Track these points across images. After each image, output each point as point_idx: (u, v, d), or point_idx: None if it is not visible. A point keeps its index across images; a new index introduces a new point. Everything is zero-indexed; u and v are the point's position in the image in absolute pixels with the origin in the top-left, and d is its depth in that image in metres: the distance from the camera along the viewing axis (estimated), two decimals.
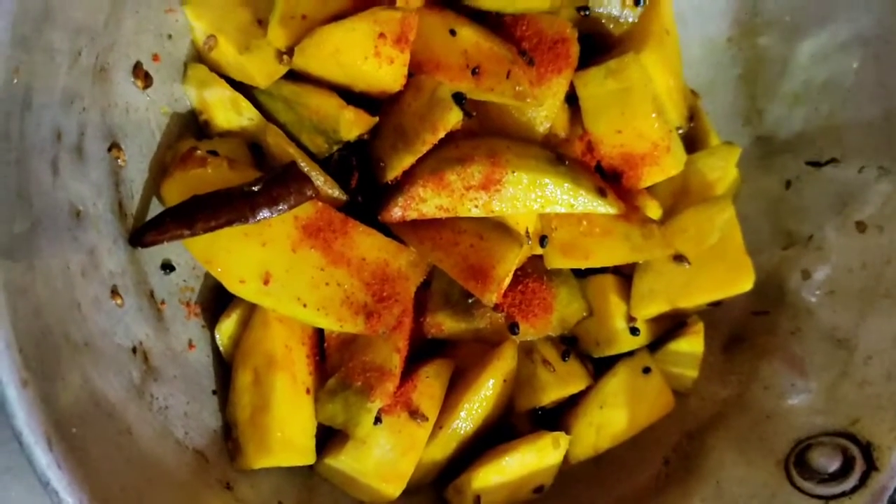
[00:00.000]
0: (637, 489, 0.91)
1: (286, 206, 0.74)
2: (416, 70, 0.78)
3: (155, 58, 0.75)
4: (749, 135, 1.03)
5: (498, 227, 0.81)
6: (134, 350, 0.70)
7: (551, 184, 0.79)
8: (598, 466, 0.91)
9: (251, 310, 0.78)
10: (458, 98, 0.74)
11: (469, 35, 0.79)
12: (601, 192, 0.81)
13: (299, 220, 0.75)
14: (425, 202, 0.79)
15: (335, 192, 0.78)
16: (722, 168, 0.95)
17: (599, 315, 0.89)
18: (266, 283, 0.73)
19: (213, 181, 0.74)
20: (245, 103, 0.77)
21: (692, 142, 0.99)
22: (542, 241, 0.85)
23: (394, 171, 0.78)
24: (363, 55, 0.72)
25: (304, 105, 0.76)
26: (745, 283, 0.88)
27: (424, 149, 0.74)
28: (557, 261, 0.85)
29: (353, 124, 0.76)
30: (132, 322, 0.70)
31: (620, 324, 0.89)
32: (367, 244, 0.77)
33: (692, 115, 0.97)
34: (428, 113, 0.74)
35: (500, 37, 0.82)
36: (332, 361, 0.79)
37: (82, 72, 0.65)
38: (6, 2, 0.52)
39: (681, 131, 0.94)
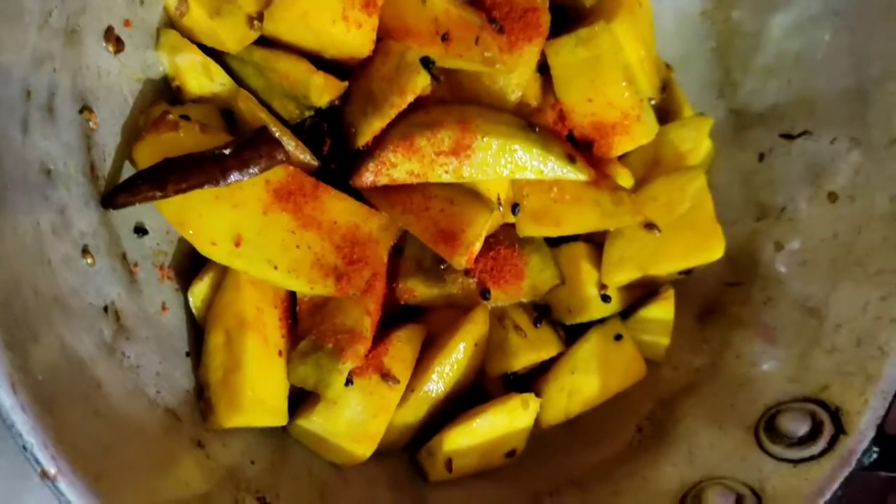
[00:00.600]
0: (610, 455, 0.92)
1: (257, 170, 0.75)
2: (385, 36, 0.79)
3: (126, 23, 0.75)
4: (723, 107, 1.05)
5: (469, 193, 0.82)
6: (105, 309, 0.70)
7: (521, 149, 0.80)
8: (570, 432, 0.93)
9: (224, 273, 0.79)
10: (426, 62, 0.75)
11: (439, 2, 0.80)
12: (571, 159, 0.82)
13: (270, 183, 0.76)
14: (396, 167, 0.80)
15: (306, 157, 0.79)
16: (694, 139, 0.96)
17: (571, 282, 0.90)
18: (237, 245, 0.74)
19: (185, 145, 0.75)
20: (216, 68, 0.78)
21: (665, 114, 1.00)
22: (514, 208, 0.86)
23: (364, 137, 0.79)
24: (331, 18, 0.73)
25: (274, 70, 0.77)
26: (715, 250, 0.89)
27: (393, 112, 0.75)
28: (529, 228, 0.86)
29: (323, 89, 0.77)
30: (104, 282, 0.71)
31: (592, 291, 0.90)
32: (338, 208, 0.78)
33: (665, 87, 0.98)
34: (396, 77, 0.75)
35: (471, 5, 0.83)
36: (303, 325, 0.80)
37: (53, 33, 0.66)
38: None
39: (653, 102, 0.95)
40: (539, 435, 0.89)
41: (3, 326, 0.54)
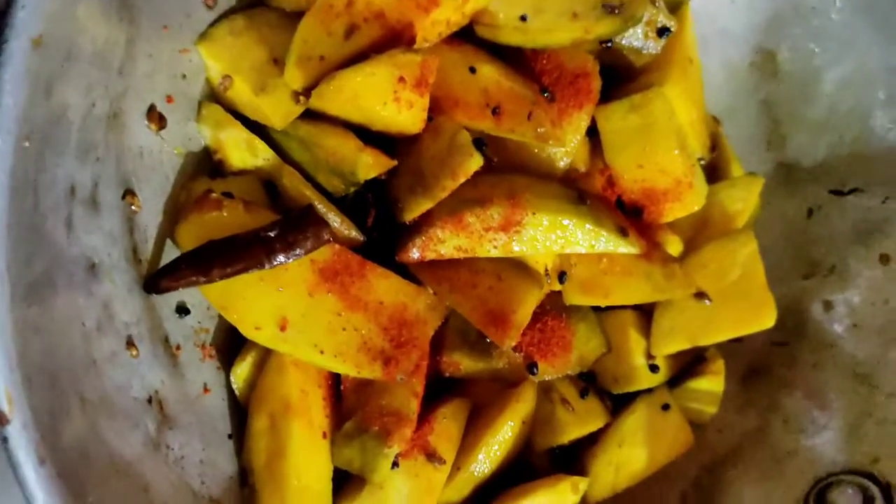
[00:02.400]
0: None
1: (303, 251, 0.73)
2: (433, 107, 0.76)
3: (169, 99, 0.73)
4: (771, 160, 1.02)
5: (516, 267, 0.80)
6: (149, 400, 0.69)
7: (572, 224, 0.78)
8: (614, 502, 0.91)
9: (266, 352, 0.77)
10: (479, 143, 0.73)
11: (489, 73, 0.77)
12: (623, 232, 0.80)
13: (316, 263, 0.73)
14: (443, 243, 0.78)
15: (352, 232, 0.77)
16: (744, 200, 0.93)
17: (618, 352, 0.88)
18: (282, 328, 0.72)
19: (228, 224, 0.72)
20: (261, 144, 0.75)
21: (713, 169, 0.97)
22: (561, 277, 0.84)
23: (411, 213, 0.76)
24: (382, 100, 0.71)
25: (320, 146, 0.75)
26: (766, 320, 0.87)
27: (444, 195, 0.73)
28: (576, 298, 0.84)
29: (370, 167, 0.74)
30: (148, 371, 0.69)
31: (640, 360, 0.88)
32: (385, 287, 0.76)
33: (714, 145, 0.95)
34: (448, 158, 0.72)
35: (521, 72, 0.80)
36: (348, 404, 0.78)
37: (96, 121, 0.64)
38: (16, 63, 0.50)
39: (702, 161, 0.92)
40: None
41: (53, 458, 0.52)
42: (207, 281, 0.70)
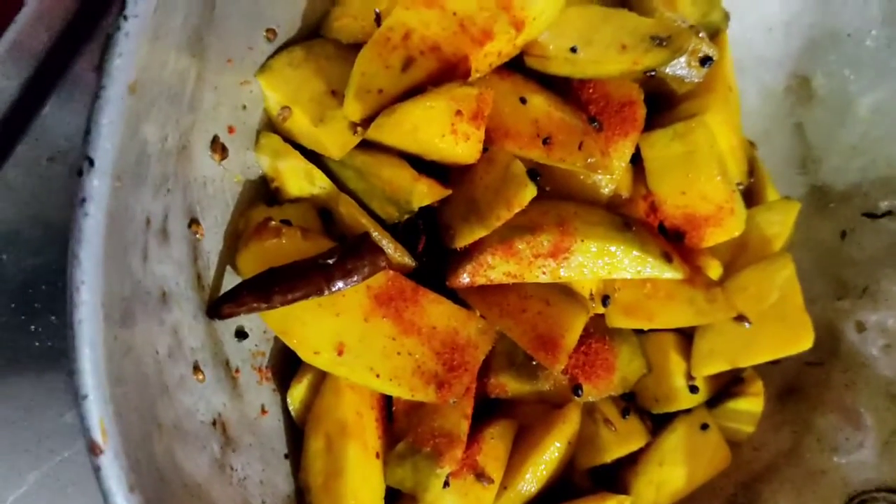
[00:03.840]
0: None
1: (360, 278, 0.75)
2: (485, 136, 0.78)
3: (230, 129, 0.75)
4: (805, 183, 1.04)
5: (563, 292, 0.82)
6: (214, 423, 0.71)
7: (619, 251, 0.80)
8: None
9: (322, 374, 0.79)
10: (533, 174, 0.75)
11: (540, 104, 0.79)
12: (667, 258, 0.82)
13: (371, 289, 0.76)
14: (493, 269, 0.80)
15: (405, 259, 0.79)
16: (781, 223, 0.95)
17: (659, 373, 0.90)
18: (340, 353, 0.74)
19: (287, 252, 0.75)
20: (318, 173, 0.77)
21: (749, 193, 0.99)
22: (605, 300, 0.86)
23: (463, 241, 0.78)
24: (440, 132, 0.73)
25: (376, 175, 0.77)
26: (804, 342, 0.89)
27: (498, 224, 0.75)
28: (620, 321, 0.86)
29: (425, 196, 0.76)
30: (212, 395, 0.71)
31: (680, 382, 0.90)
32: (438, 312, 0.78)
33: (751, 169, 0.97)
34: (502, 188, 0.74)
35: (569, 101, 0.82)
36: (399, 425, 0.80)
37: (167, 155, 0.66)
38: (113, 109, 0.52)
39: (741, 187, 0.94)
40: None
41: (140, 485, 0.54)
42: (268, 307, 0.73)
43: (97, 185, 0.49)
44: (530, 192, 0.73)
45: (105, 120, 0.48)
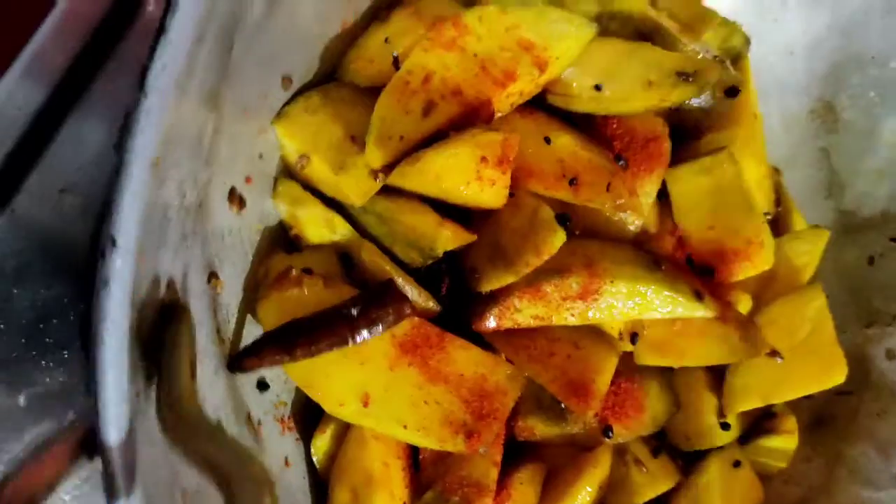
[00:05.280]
0: None
1: (385, 327, 0.73)
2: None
3: (248, 179, 0.73)
4: (831, 208, 1.02)
5: (592, 333, 0.80)
6: None
7: (649, 291, 0.78)
8: None
9: (346, 424, 0.77)
10: (563, 219, 0.73)
11: (565, 143, 0.77)
12: (699, 297, 0.79)
13: (396, 337, 0.74)
14: (520, 312, 0.78)
15: (429, 304, 0.77)
16: (809, 253, 0.93)
17: (689, 410, 0.88)
18: (365, 404, 0.72)
19: (309, 301, 0.73)
20: (339, 220, 0.75)
21: (775, 222, 0.97)
22: (634, 338, 0.84)
23: (490, 285, 0.76)
24: (465, 180, 0.71)
25: (398, 222, 0.75)
26: (837, 376, 0.87)
27: (527, 270, 0.73)
28: (650, 358, 0.84)
29: (450, 241, 0.74)
30: (238, 450, 0.70)
31: (711, 419, 0.88)
32: (465, 359, 0.76)
33: (778, 199, 0.95)
34: (530, 234, 0.73)
35: (593, 138, 0.80)
36: (427, 474, 0.79)
37: (186, 213, 0.64)
38: (136, 187, 0.50)
39: (768, 217, 0.92)
40: None
41: None
42: (291, 360, 0.71)
43: (120, 266, 0.47)
44: (560, 238, 0.71)
45: (128, 200, 0.47)
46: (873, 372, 0.96)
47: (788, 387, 0.86)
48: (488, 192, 0.72)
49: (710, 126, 0.88)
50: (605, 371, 0.77)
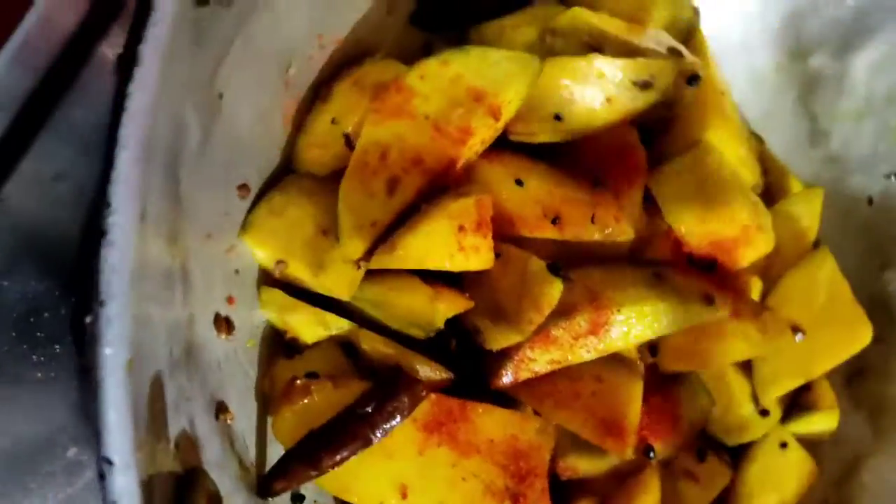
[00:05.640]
0: None
1: (403, 416, 0.71)
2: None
3: (230, 300, 0.71)
4: (819, 158, 0.99)
5: (612, 361, 0.78)
6: None
7: (658, 310, 0.76)
8: None
9: None
10: (555, 268, 0.70)
11: (538, 183, 0.75)
12: (708, 300, 0.77)
13: (418, 420, 0.72)
14: (535, 361, 0.76)
15: (441, 374, 0.75)
16: (808, 214, 0.91)
17: (725, 403, 0.86)
18: (404, 496, 0.71)
19: (321, 407, 0.71)
20: (331, 317, 0.73)
21: (768, 189, 0.94)
22: (653, 350, 0.82)
23: (498, 345, 0.74)
24: (448, 254, 0.68)
25: (392, 305, 0.73)
26: (864, 336, 0.86)
27: (532, 328, 0.70)
28: (674, 365, 0.82)
29: (448, 312, 0.72)
30: None
31: (748, 408, 0.86)
32: (492, 424, 0.74)
33: (765, 167, 0.92)
34: (526, 290, 0.70)
35: (566, 168, 0.77)
36: None
37: (177, 366, 0.62)
38: (117, 406, 0.47)
39: (758, 189, 0.90)
40: None
41: None
42: (319, 473, 0.69)
43: (122, 483, 0.45)
44: (557, 289, 0.69)
45: (113, 416, 0.44)
46: None
47: (818, 361, 0.85)
48: (474, 258, 0.70)
49: (678, 116, 0.85)
50: (633, 401, 0.75)
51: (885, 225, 0.96)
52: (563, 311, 0.74)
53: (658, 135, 0.85)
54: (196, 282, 0.66)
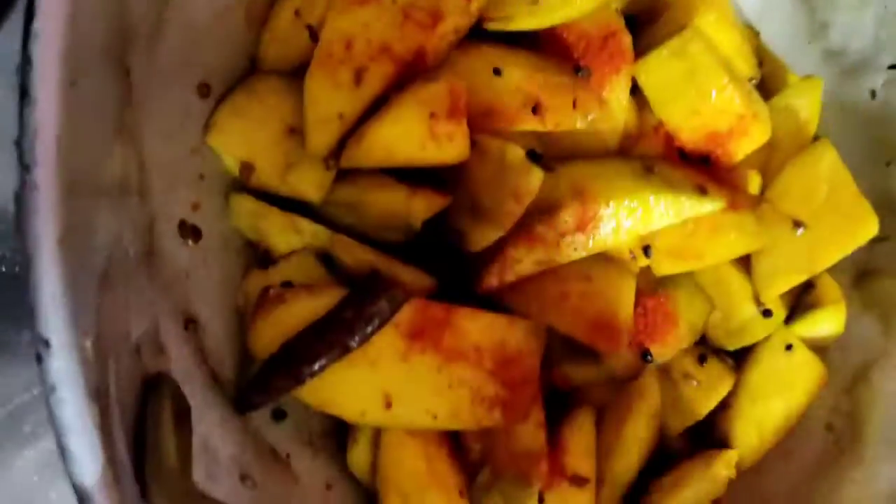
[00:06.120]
0: (807, 468, 0.85)
1: (383, 320, 0.67)
2: (470, 126, 0.70)
3: (195, 207, 0.67)
4: (818, 52, 0.93)
5: (602, 261, 0.75)
6: None
7: (649, 201, 0.72)
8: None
9: (377, 430, 0.72)
10: (534, 156, 0.66)
11: (517, 70, 0.70)
12: (702, 191, 0.73)
13: (400, 326, 0.68)
14: (520, 262, 0.72)
15: (424, 280, 0.71)
16: (807, 106, 0.86)
17: (725, 306, 0.82)
18: (388, 406, 0.68)
19: (298, 316, 0.67)
20: (304, 223, 0.69)
21: (764, 83, 0.89)
22: (647, 251, 0.78)
23: (479, 244, 0.70)
24: (419, 144, 0.64)
25: (366, 205, 0.69)
26: (869, 228, 0.81)
27: (513, 221, 0.66)
28: (668, 267, 0.78)
29: (425, 212, 0.68)
30: (270, 497, 0.65)
31: (750, 309, 0.82)
32: (478, 328, 0.70)
33: (760, 59, 0.87)
34: (504, 181, 0.66)
35: (547, 55, 0.73)
36: (473, 455, 0.74)
37: (136, 268, 0.58)
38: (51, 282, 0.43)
39: (754, 82, 0.85)
40: None
41: None
42: (298, 384, 0.66)
43: (60, 366, 0.41)
44: (536, 177, 0.65)
45: (48, 289, 0.41)
46: None
47: (820, 255, 0.80)
48: (448, 148, 0.65)
49: (666, 3, 0.80)
50: (624, 299, 0.71)
51: (890, 118, 0.91)
52: (548, 208, 0.71)
53: (644, 25, 0.81)
54: (154, 183, 0.62)
